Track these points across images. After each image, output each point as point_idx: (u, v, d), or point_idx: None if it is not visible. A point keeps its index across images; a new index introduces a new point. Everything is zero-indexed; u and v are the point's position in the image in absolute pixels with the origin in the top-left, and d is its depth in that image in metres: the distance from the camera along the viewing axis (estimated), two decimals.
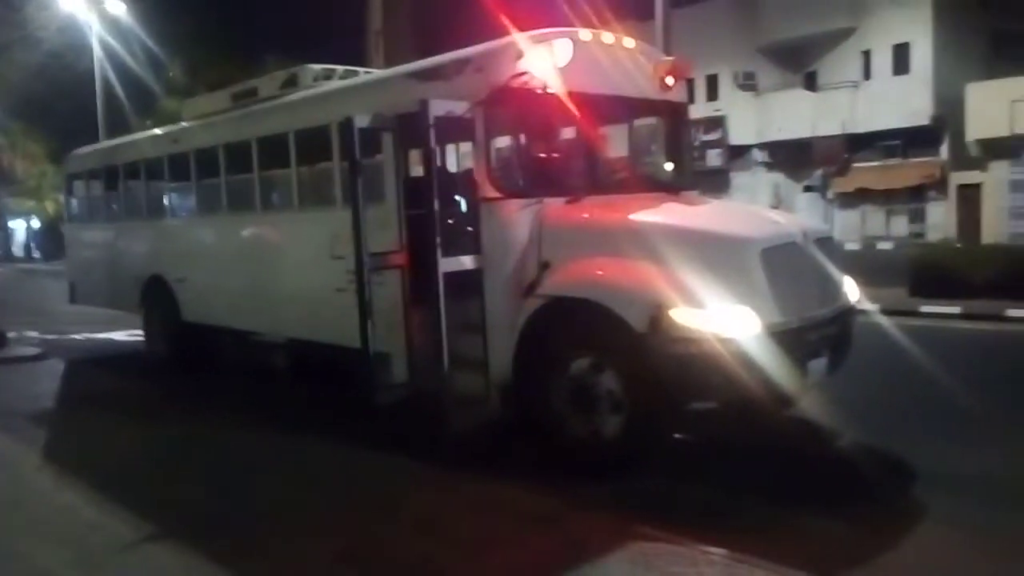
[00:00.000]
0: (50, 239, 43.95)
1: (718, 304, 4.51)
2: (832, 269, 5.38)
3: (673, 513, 4.36)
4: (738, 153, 27.66)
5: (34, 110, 40.04)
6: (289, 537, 4.28)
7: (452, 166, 7.53)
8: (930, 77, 23.59)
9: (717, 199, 6.82)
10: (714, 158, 27.10)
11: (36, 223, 50.07)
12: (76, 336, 12.75)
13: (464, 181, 6.43)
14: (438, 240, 5.19)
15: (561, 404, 5.05)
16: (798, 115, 25.71)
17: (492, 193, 5.40)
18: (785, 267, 4.87)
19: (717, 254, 4.73)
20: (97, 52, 25.56)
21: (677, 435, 5.24)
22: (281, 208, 7.86)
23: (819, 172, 26.29)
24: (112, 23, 25.96)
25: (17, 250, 54.06)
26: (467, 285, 5.42)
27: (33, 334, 12.60)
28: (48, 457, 6.08)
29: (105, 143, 13.30)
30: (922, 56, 23.81)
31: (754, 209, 8.33)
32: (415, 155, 7.28)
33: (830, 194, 26.29)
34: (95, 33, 25.51)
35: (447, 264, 5.26)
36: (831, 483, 4.91)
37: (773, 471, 5.12)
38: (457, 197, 6.54)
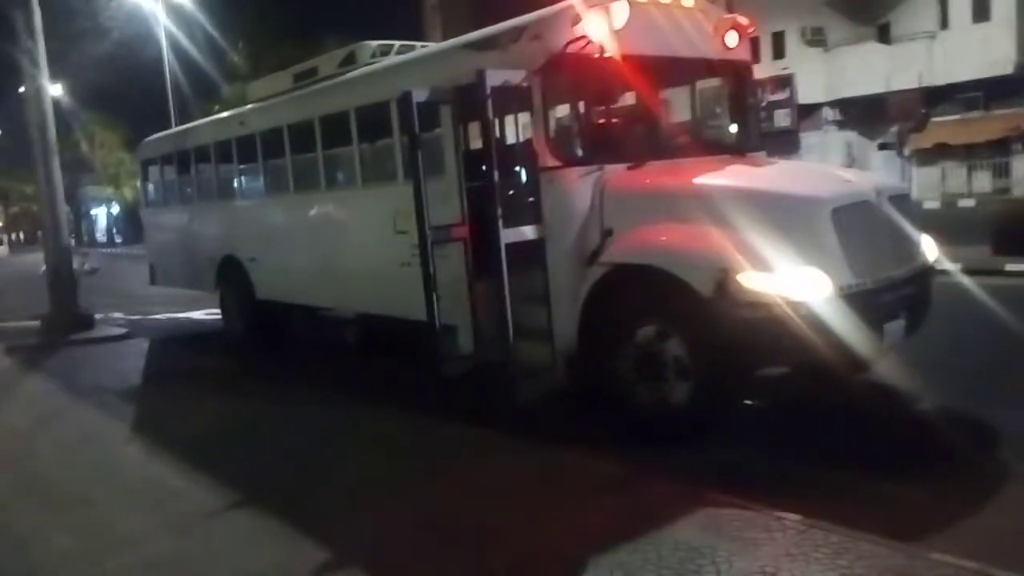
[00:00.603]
0: (130, 224, 45.85)
1: (787, 267, 4.40)
2: (909, 228, 5.18)
3: (744, 479, 4.31)
4: (807, 112, 26.68)
5: (108, 100, 41.69)
6: (366, 504, 4.42)
7: (511, 136, 7.51)
8: (1013, 22, 22.19)
9: (785, 160, 6.62)
10: (782, 118, 26.21)
11: (116, 209, 52.21)
12: (158, 316, 13.32)
13: (523, 151, 6.41)
14: (499, 211, 5.20)
15: (627, 372, 5.03)
16: (871, 70, 24.57)
17: (552, 162, 5.37)
18: (858, 227, 4.71)
19: (785, 215, 4.61)
20: (164, 41, 26.30)
21: (747, 401, 5.16)
22: (345, 185, 7.99)
23: (895, 129, 25.15)
24: (176, 11, 26.64)
25: (100, 236, 56.53)
26: (530, 255, 5.42)
27: (118, 315, 13.20)
28: (137, 430, 6.40)
29: (175, 129, 13.71)
30: (1004, 1, 22.42)
31: (824, 168, 8.06)
32: (474, 127, 7.30)
33: (907, 151, 25.15)
34: (161, 22, 26.23)
35: (509, 235, 5.27)
36: (910, 448, 4.76)
37: (849, 436, 5.00)
38: (517, 167, 6.53)
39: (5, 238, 54.15)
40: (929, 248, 5.44)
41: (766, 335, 4.40)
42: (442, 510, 4.24)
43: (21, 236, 66.96)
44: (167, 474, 5.15)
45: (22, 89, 12.39)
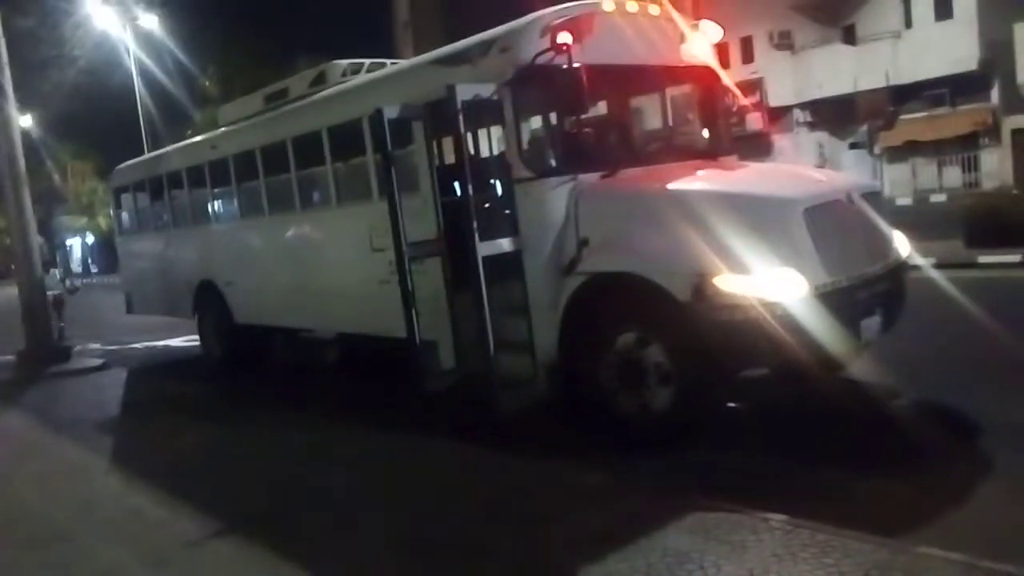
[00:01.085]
0: (105, 254, 45.35)
1: (762, 268, 4.43)
2: (881, 225, 5.24)
3: (730, 482, 4.31)
4: (779, 115, 27.00)
5: (78, 129, 41.30)
6: (343, 525, 4.37)
7: (485, 150, 7.52)
8: (975, 20, 22.61)
9: (757, 163, 6.69)
10: (753, 121, 26.50)
11: (91, 239, 51.67)
12: (136, 345, 13.15)
13: (497, 164, 6.42)
14: (474, 225, 5.19)
15: (609, 380, 5.02)
16: (838, 71, 24.94)
17: (525, 173, 5.38)
18: (830, 226, 4.75)
19: (758, 217, 4.64)
20: (134, 67, 26.14)
21: (729, 404, 5.18)
22: (320, 205, 7.95)
23: (864, 128, 25.50)
24: (145, 38, 26.51)
25: (75, 266, 55.88)
26: (507, 267, 5.41)
27: (96, 346, 13.01)
28: (116, 462, 6.29)
29: (147, 156, 13.61)
30: None
31: (795, 169, 8.13)
32: (447, 142, 7.30)
33: (877, 149, 25.49)
34: (131, 49, 26.08)
35: (485, 248, 5.26)
36: (890, 444, 4.78)
37: (830, 435, 5.02)
38: (491, 180, 6.53)
39: None
40: (902, 244, 5.50)
41: (744, 337, 4.41)
42: (425, 528, 4.20)
43: None
44: (147, 505, 5.06)
45: None
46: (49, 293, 12.37)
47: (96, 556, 4.32)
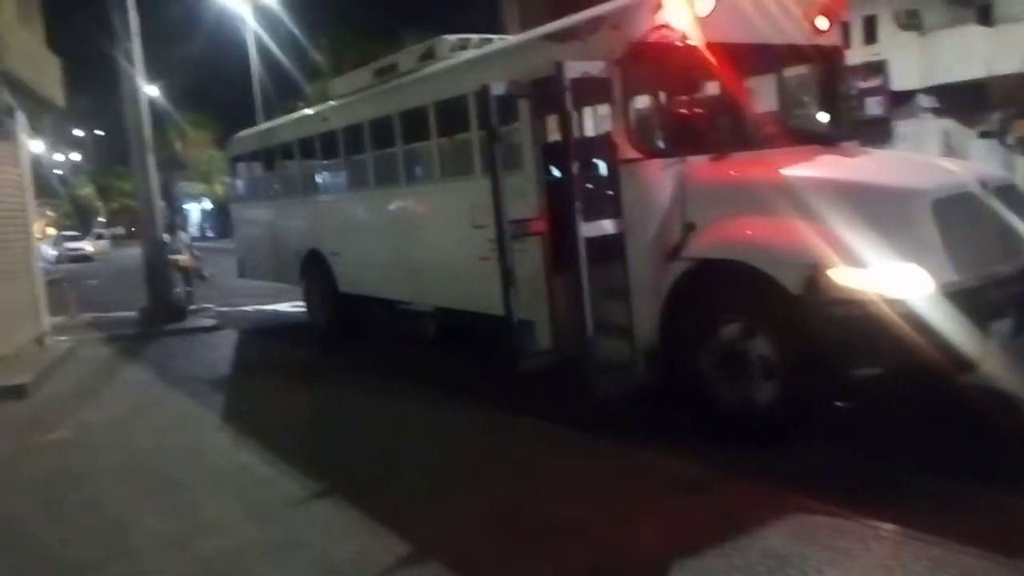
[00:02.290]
0: (220, 219, 47.73)
1: (884, 262, 4.17)
2: (1016, 221, 4.84)
3: (835, 485, 4.10)
4: (901, 100, 25.47)
5: (198, 99, 43.43)
6: (443, 497, 4.43)
7: (590, 129, 7.41)
8: None
9: (880, 150, 6.31)
10: (874, 106, 25.09)
11: (208, 205, 54.42)
12: (246, 308, 13.78)
13: (603, 143, 6.30)
14: (577, 205, 5.12)
15: (710, 370, 4.88)
16: (970, 54, 23.20)
17: (632, 154, 5.25)
18: (960, 220, 4.44)
19: (881, 208, 4.37)
20: (250, 41, 27.17)
21: (837, 402, 4.93)
22: (424, 180, 8.05)
23: (997, 116, 23.73)
24: (262, 12, 27.49)
25: (192, 230, 59.07)
26: (609, 250, 5.32)
27: (210, 306, 13.70)
28: (226, 419, 6.62)
29: (262, 126, 14.13)
30: None
31: (922, 158, 7.66)
32: (552, 120, 7.22)
33: (1011, 139, 23.70)
34: (248, 23, 27.12)
35: (588, 229, 5.18)
36: (1015, 455, 4.45)
37: (948, 442, 4.71)
38: (596, 160, 6.43)
39: (107, 233, 57.20)
40: None
41: (861, 335, 4.18)
42: (520, 505, 4.21)
43: (121, 231, 70.67)
44: (253, 462, 5.31)
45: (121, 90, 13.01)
46: (176, 257, 13.30)
47: (204, 507, 4.57)
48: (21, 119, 10.75)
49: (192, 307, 13.19)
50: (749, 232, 4.69)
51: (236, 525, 4.27)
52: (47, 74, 9.87)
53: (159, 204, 13.00)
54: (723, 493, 4.08)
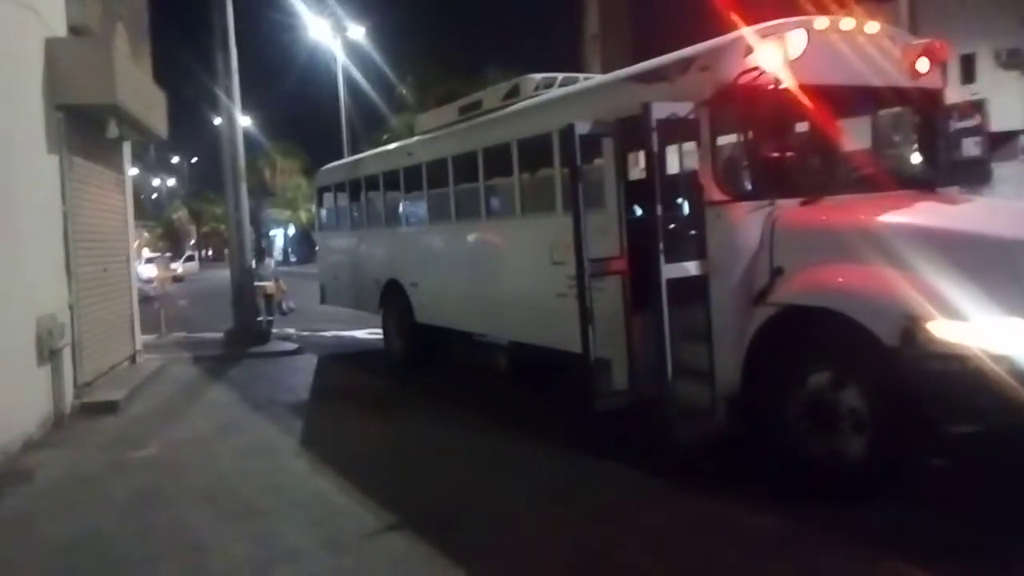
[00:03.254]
0: (304, 245, 49.26)
1: (985, 316, 3.97)
2: None
3: (927, 546, 3.88)
4: (1001, 141, 24.39)
5: (288, 129, 45.21)
6: (516, 540, 4.39)
7: (673, 168, 7.35)
8: None
9: (982, 196, 6.02)
10: (971, 147, 24.13)
11: (292, 230, 56.29)
12: (325, 333, 14.13)
13: (686, 184, 6.23)
14: (661, 245, 5.06)
15: (796, 420, 4.71)
16: None
17: (719, 196, 5.17)
18: None
19: (984, 259, 4.17)
20: (340, 75, 28.20)
21: (933, 460, 4.67)
22: (504, 215, 8.12)
23: None
24: (352, 48, 28.54)
25: (277, 254, 61.11)
26: (691, 292, 5.23)
27: (291, 331, 14.11)
28: (304, 445, 6.76)
29: (349, 159, 14.60)
30: None
31: None
32: (634, 158, 7.20)
33: None
34: (338, 58, 28.17)
35: (670, 270, 5.12)
36: None
37: None
38: (679, 200, 6.36)
39: (197, 255, 59.85)
40: None
41: (961, 390, 3.97)
42: (593, 554, 4.13)
43: (211, 253, 73.79)
44: (330, 490, 5.38)
45: (218, 121, 13.69)
46: (261, 284, 13.46)
47: (283, 535, 4.64)
48: (126, 149, 11.40)
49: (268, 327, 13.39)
50: (841, 279, 4.54)
51: (312, 554, 4.32)
52: (154, 107, 10.44)
53: (249, 231, 13.51)
54: (806, 551, 3.91)
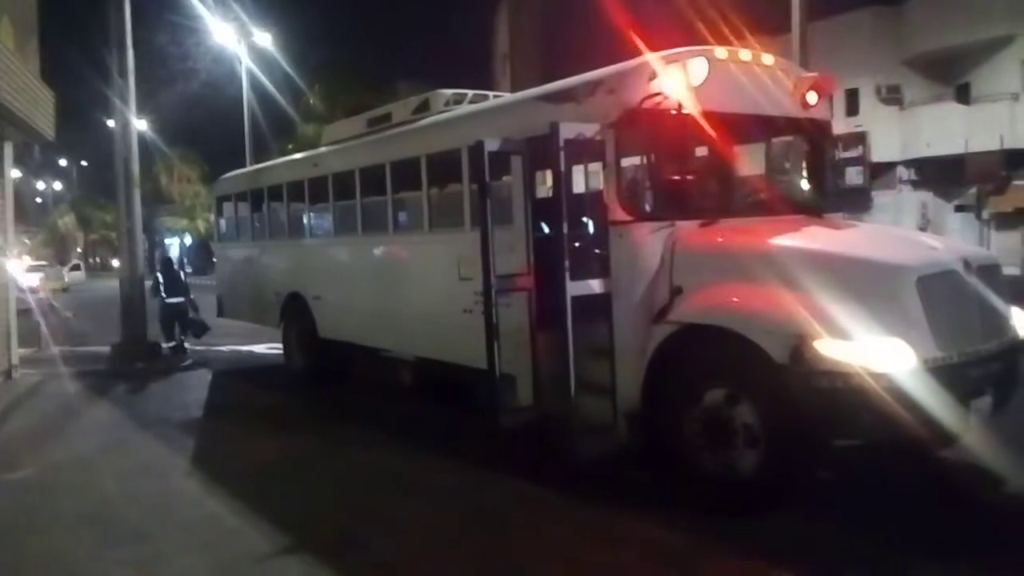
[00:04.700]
0: (201, 254, 47.37)
1: (868, 336, 4.20)
2: (997, 300, 4.91)
3: (817, 558, 4.06)
4: (880, 171, 26.11)
5: (188, 135, 43.55)
6: (415, 557, 4.32)
7: (579, 187, 7.48)
8: None
9: (864, 222, 6.40)
10: (854, 176, 25.67)
11: (188, 240, 54.07)
12: (221, 348, 13.56)
13: (592, 203, 6.35)
14: (567, 264, 5.14)
15: (693, 435, 4.84)
16: (949, 130, 23.93)
17: (622, 216, 5.29)
18: (944, 297, 4.49)
19: (867, 282, 4.41)
20: (244, 82, 27.41)
21: (820, 473, 4.90)
22: (411, 230, 8.05)
23: (973, 191, 24.37)
24: (258, 54, 27.80)
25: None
26: (595, 309, 5.32)
27: (185, 345, 13.47)
28: (195, 464, 6.45)
29: (251, 167, 14.16)
30: None
31: (908, 233, 7.77)
32: (543, 177, 7.29)
33: (985, 214, 24.30)
34: (243, 64, 27.39)
35: (575, 288, 5.19)
36: (994, 534, 4.43)
37: (927, 516, 4.69)
38: (585, 220, 6.47)
39: (83, 264, 56.56)
40: (1020, 322, 5.14)
41: (845, 406, 4.18)
42: (496, 565, 4.10)
43: (99, 261, 69.94)
44: (222, 512, 5.15)
45: (111, 123, 13.02)
46: (174, 300, 12.10)
47: (170, 560, 4.41)
48: (8, 149, 10.69)
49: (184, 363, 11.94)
50: (736, 299, 4.72)
51: None
52: (40, 106, 9.83)
53: (141, 240, 12.87)
54: (703, 564, 4.01)
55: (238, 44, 27.60)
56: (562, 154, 5.16)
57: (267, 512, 5.04)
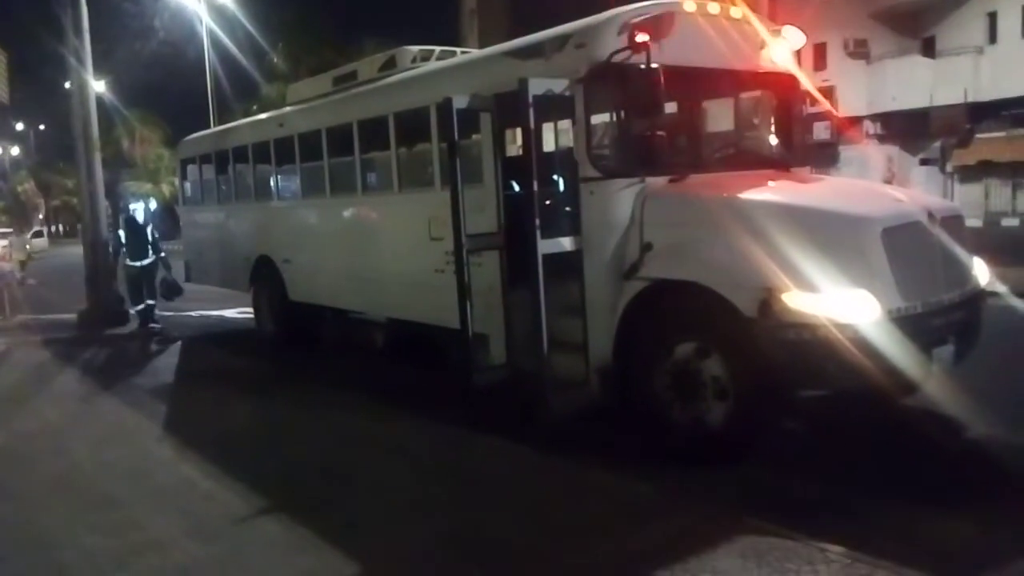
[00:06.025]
0: (167, 219, 46.49)
1: (834, 288, 4.27)
2: (960, 251, 5.01)
3: (784, 506, 4.17)
4: (848, 125, 26.26)
5: (149, 97, 42.44)
6: (392, 516, 4.35)
7: (549, 145, 7.44)
8: None
9: (832, 176, 6.44)
10: (821, 130, 25.81)
11: (153, 204, 53.00)
12: (191, 313, 13.39)
13: (562, 160, 6.33)
14: (537, 221, 5.12)
15: (663, 389, 4.91)
16: (914, 83, 24.09)
17: (592, 173, 5.28)
18: (908, 248, 4.56)
19: (833, 234, 4.47)
20: (205, 41, 26.68)
21: (786, 424, 5.02)
22: (381, 190, 7.97)
23: (937, 144, 24.65)
24: (219, 12, 27.02)
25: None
26: (566, 266, 5.33)
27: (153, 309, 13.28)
28: (167, 429, 6.41)
29: (215, 129, 13.85)
30: None
31: (873, 186, 7.86)
32: (512, 135, 7.23)
33: (949, 167, 24.63)
34: (204, 22, 26.62)
35: (546, 246, 5.19)
36: (957, 478, 4.58)
37: (891, 464, 4.83)
38: (555, 177, 6.45)
39: (45, 230, 55.31)
40: (981, 271, 5.26)
41: (811, 357, 4.26)
42: (469, 525, 4.16)
43: (61, 228, 68.42)
44: (196, 476, 5.14)
45: (67, 85, 12.63)
46: (138, 263, 11.26)
47: (146, 525, 4.39)
48: None
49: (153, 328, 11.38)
50: (704, 254, 4.75)
51: (179, 542, 4.11)
52: None
53: (103, 204, 12.58)
54: (673, 514, 4.09)
55: (198, 1, 26.81)
56: (531, 110, 5.11)
57: (241, 475, 5.03)
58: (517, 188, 6.28)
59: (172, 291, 11.52)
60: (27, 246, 26.51)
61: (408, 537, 4.06)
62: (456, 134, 5.62)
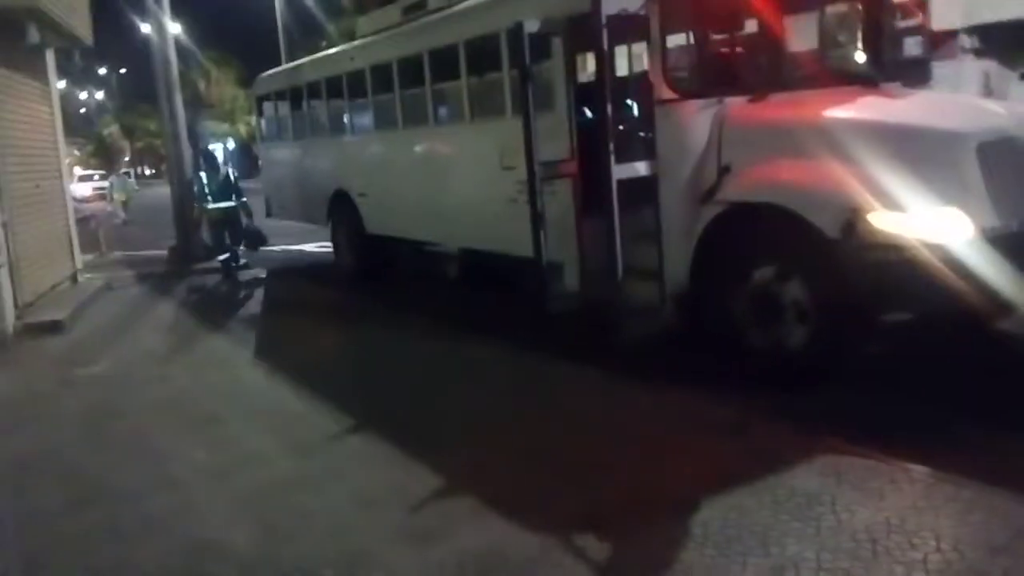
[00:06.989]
0: (245, 159, 47.65)
1: (924, 207, 4.11)
2: None
3: (867, 429, 4.10)
4: (941, 40, 24.59)
5: (221, 38, 43.05)
6: (472, 434, 4.52)
7: (623, 69, 7.26)
8: None
9: (923, 91, 6.09)
10: (912, 46, 24.32)
11: (231, 144, 54.32)
12: (273, 248, 13.84)
13: (637, 84, 6.18)
14: (611, 147, 5.06)
15: (742, 314, 4.87)
16: None
17: (668, 94, 5.15)
18: (1004, 164, 4.34)
19: (924, 151, 4.28)
20: None
21: (870, 348, 4.91)
22: (452, 120, 7.97)
23: None
24: None
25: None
26: (641, 192, 5.27)
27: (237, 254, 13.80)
28: (259, 356, 6.76)
29: (288, 65, 14.00)
30: None
31: (967, 99, 7.43)
32: (583, 61, 7.08)
33: None
34: None
35: (620, 171, 5.14)
36: None
37: (980, 389, 4.67)
38: (629, 101, 6.32)
39: (132, 172, 57.52)
40: None
41: (899, 279, 4.14)
42: (549, 444, 4.27)
43: (146, 170, 71.03)
44: (287, 398, 5.43)
45: (146, 28, 12.94)
46: (217, 206, 10.90)
47: (245, 441, 4.70)
48: (50, 58, 10.74)
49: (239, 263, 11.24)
50: (786, 175, 4.62)
51: (275, 457, 4.40)
52: (76, 10, 9.79)
53: (186, 144, 12.99)
54: (754, 434, 4.11)
55: None
56: (604, 31, 4.99)
57: (329, 397, 5.29)
58: (590, 114, 6.20)
59: (256, 240, 11.30)
60: (136, 187, 27.51)
61: (488, 454, 4.22)
62: (527, 60, 5.55)
